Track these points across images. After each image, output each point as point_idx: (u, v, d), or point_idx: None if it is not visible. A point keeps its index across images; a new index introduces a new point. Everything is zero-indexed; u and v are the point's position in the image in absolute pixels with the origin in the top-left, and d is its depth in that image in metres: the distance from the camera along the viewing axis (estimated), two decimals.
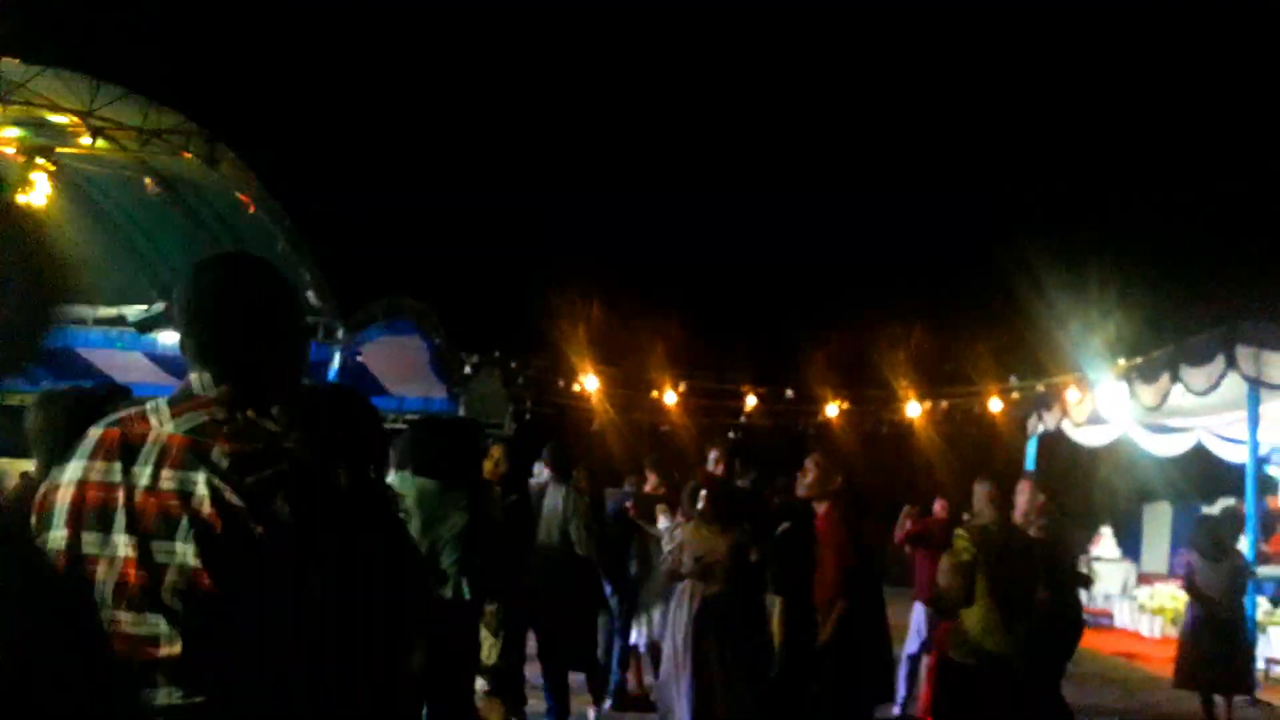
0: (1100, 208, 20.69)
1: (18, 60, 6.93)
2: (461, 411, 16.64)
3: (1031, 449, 15.02)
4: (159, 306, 11.01)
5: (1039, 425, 15.03)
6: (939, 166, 24.72)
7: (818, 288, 22.72)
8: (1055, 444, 14.79)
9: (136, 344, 11.46)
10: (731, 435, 16.51)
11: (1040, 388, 14.60)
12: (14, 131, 7.97)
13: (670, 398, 17.26)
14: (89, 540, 1.58)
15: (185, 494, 1.55)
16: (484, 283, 20.60)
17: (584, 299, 17.55)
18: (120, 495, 1.58)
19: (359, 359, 12.23)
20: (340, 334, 10.96)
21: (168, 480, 1.57)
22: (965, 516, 6.86)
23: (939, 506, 7.66)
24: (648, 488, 8.03)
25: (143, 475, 1.59)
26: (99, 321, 11.80)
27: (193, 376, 1.69)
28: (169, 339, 11.30)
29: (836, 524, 5.07)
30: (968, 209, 23.37)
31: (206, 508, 1.54)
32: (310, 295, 10.42)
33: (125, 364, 13.97)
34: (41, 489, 1.69)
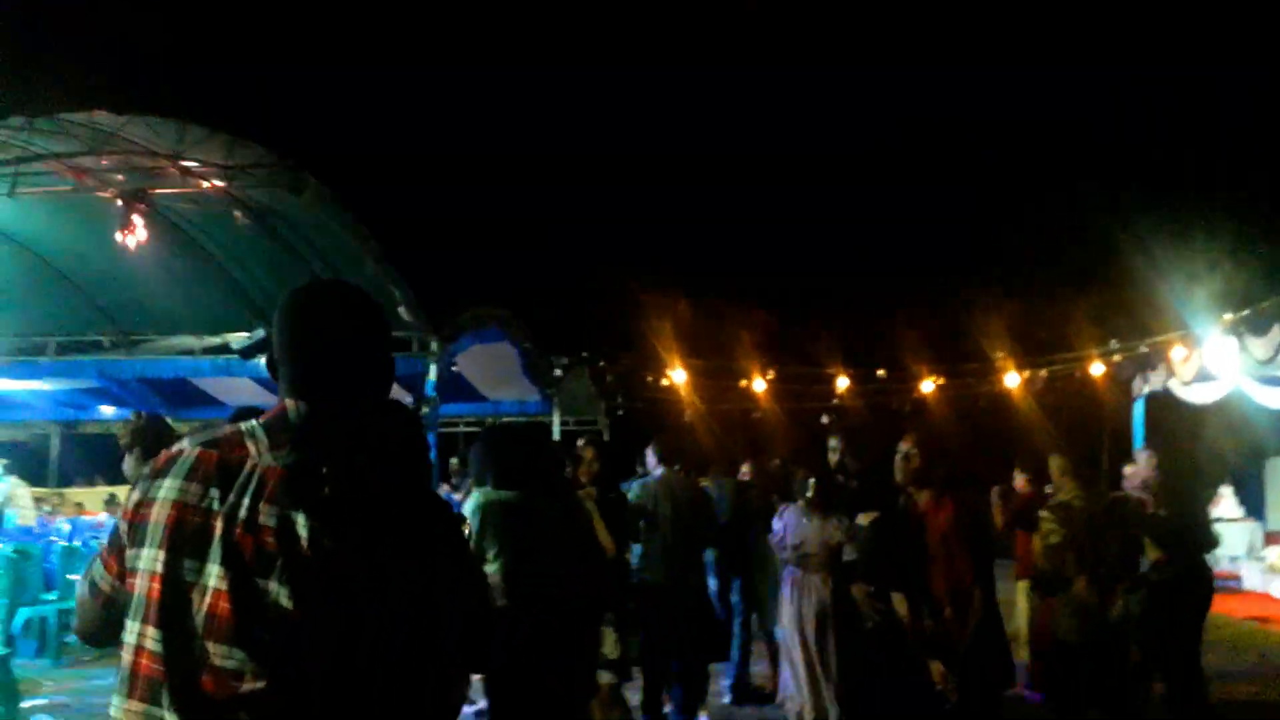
0: (1202, 153, 19.81)
1: (108, 111, 7.28)
2: (555, 412, 16.90)
3: (1138, 412, 14.55)
4: (259, 333, 11.33)
5: (1144, 387, 14.54)
6: (1024, 122, 24.05)
7: (906, 260, 22.36)
8: (1163, 405, 14.29)
9: (243, 369, 11.90)
10: (825, 420, 16.34)
11: (1144, 348, 14.11)
12: (111, 177, 8.34)
13: (759, 385, 17.18)
14: (188, 566, 1.57)
15: (284, 532, 1.55)
16: (570, 284, 20.83)
17: (669, 292, 17.61)
18: (218, 524, 1.58)
19: (454, 369, 12.48)
20: (434, 347, 11.18)
21: (266, 515, 1.57)
22: (1047, 490, 6.70)
23: (1020, 481, 7.42)
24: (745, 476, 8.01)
25: (241, 506, 1.58)
26: (206, 351, 12.28)
27: (289, 404, 1.70)
28: None
29: (957, 512, 4.90)
30: (1059, 166, 22.67)
31: (304, 549, 1.55)
32: (402, 311, 10.65)
33: (233, 388, 14.54)
34: (132, 498, 1.69)
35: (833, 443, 5.84)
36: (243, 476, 1.61)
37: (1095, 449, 15.60)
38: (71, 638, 9.29)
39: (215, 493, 1.61)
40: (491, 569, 3.45)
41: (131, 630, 1.60)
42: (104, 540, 1.76)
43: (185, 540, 1.59)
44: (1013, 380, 16.44)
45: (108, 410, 16.66)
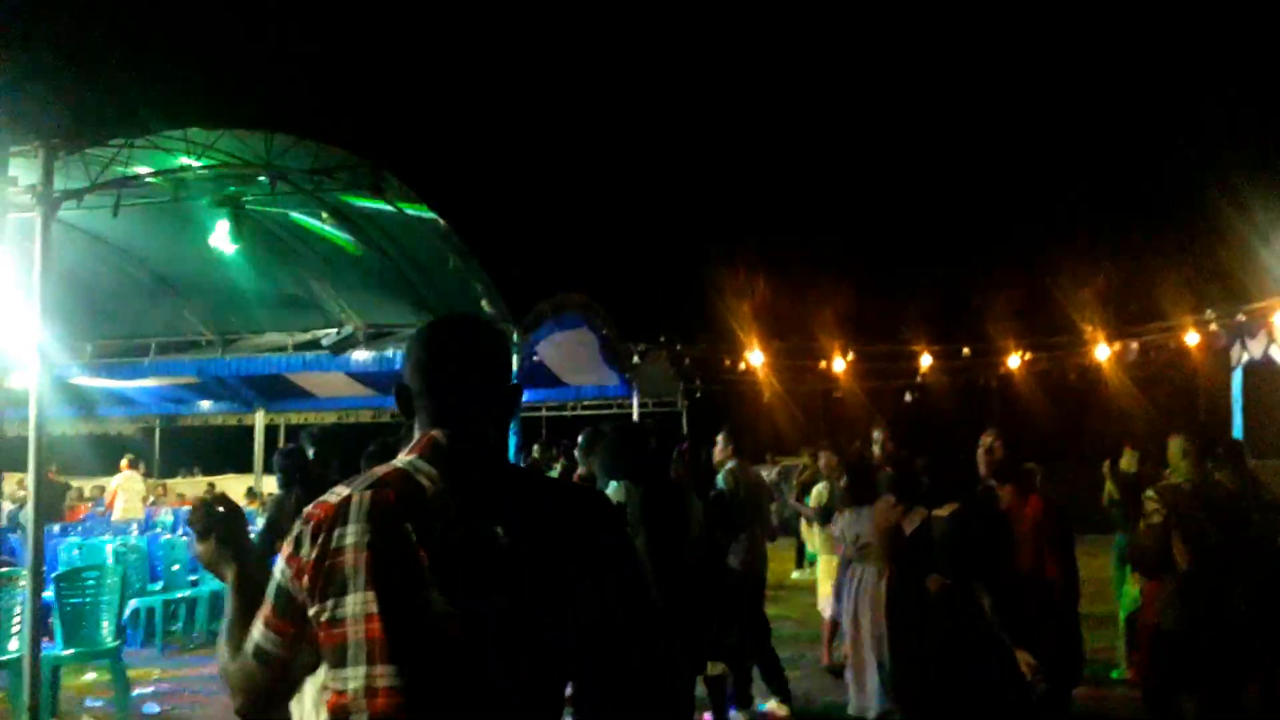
0: None
1: (201, 128, 7.57)
2: (635, 395, 17.02)
3: (1237, 382, 14.04)
4: (348, 330, 11.71)
5: (1243, 355, 14.02)
6: (1114, 80, 23.24)
7: (991, 232, 21.83)
8: (1263, 375, 13.78)
9: (333, 364, 12.26)
10: (908, 398, 16.16)
11: (1242, 316, 13.60)
12: (205, 186, 8.66)
13: (839, 365, 17.05)
14: (407, 599, 1.63)
15: (489, 549, 1.65)
16: (648, 268, 20.85)
17: (747, 274, 17.52)
18: (424, 554, 1.63)
19: (535, 359, 12.66)
20: (515, 337, 11.36)
21: (466, 537, 1.66)
22: (1166, 471, 6.54)
23: (1127, 459, 7.26)
24: (821, 464, 8.03)
25: (437, 532, 1.65)
26: (297, 347, 12.67)
27: (436, 434, 1.77)
28: (360, 356, 12.06)
29: (1046, 509, 4.85)
30: (1150, 125, 21.86)
31: (508, 561, 1.66)
32: (484, 304, 10.85)
33: (326, 382, 15.00)
34: (301, 555, 1.69)
35: (876, 434, 5.83)
36: (427, 506, 1.68)
37: (1190, 422, 15.13)
38: (175, 626, 9.71)
39: (409, 526, 1.66)
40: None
41: (354, 676, 1.64)
42: (265, 608, 1.75)
43: (395, 576, 1.64)
44: (1103, 353, 16.01)
45: (206, 405, 17.34)
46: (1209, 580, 4.56)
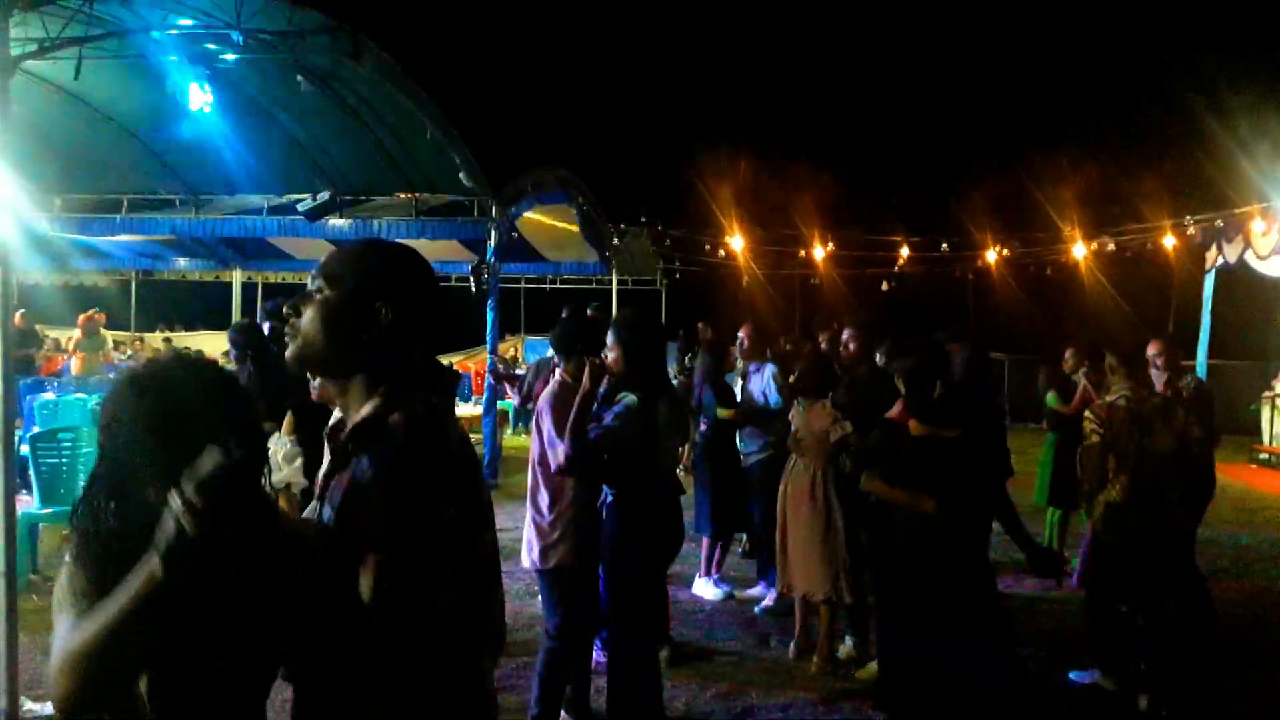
0: None
1: None
2: (614, 273, 17.01)
3: (1209, 286, 14.20)
4: (324, 195, 11.56)
5: (1218, 259, 14.13)
6: None
7: (975, 130, 21.53)
8: (1235, 280, 13.94)
9: (309, 230, 12.16)
10: (885, 286, 16.24)
11: (1220, 221, 13.65)
12: (173, 46, 8.40)
13: (819, 253, 17.04)
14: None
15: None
16: (631, 150, 20.52)
17: (730, 156, 17.31)
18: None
19: (514, 235, 12.58)
20: (494, 211, 11.27)
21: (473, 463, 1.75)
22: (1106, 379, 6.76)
23: (1069, 363, 7.41)
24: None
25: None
26: (271, 210, 12.53)
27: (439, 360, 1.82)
28: (337, 223, 11.96)
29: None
30: (1135, 28, 21.38)
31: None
32: (462, 177, 10.71)
33: (308, 248, 14.84)
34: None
35: (847, 332, 5.71)
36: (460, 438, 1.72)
37: (1161, 322, 15.35)
38: None
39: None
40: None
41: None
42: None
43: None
44: (1080, 251, 16.08)
45: (182, 261, 17.19)
46: (1143, 495, 4.74)
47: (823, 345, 6.99)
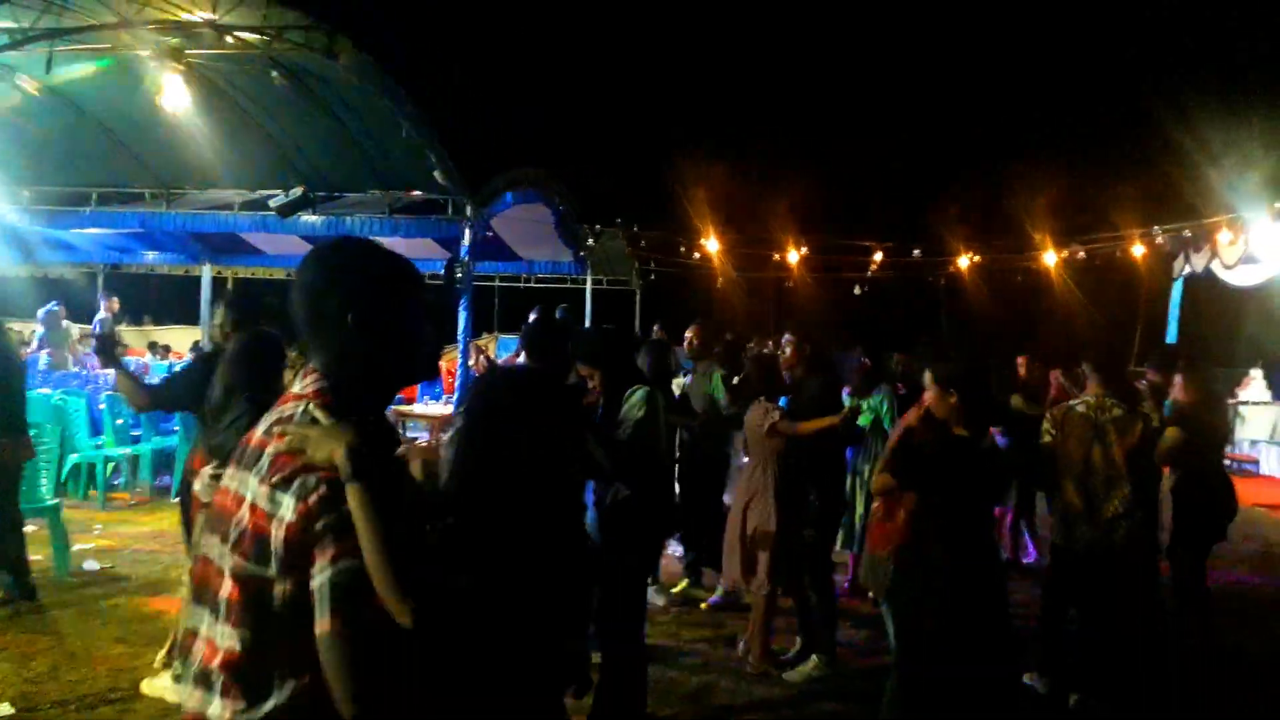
0: (1255, 34, 18.81)
1: None
2: (589, 272, 16.98)
3: (1176, 294, 14.43)
4: (296, 192, 11.44)
5: (1185, 268, 14.35)
6: None
7: (948, 140, 21.70)
8: (1201, 288, 14.16)
9: (280, 227, 12.03)
10: (858, 291, 16.32)
11: (1188, 230, 13.87)
12: (149, 38, 8.30)
13: (793, 257, 17.11)
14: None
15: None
16: (608, 149, 20.50)
17: (707, 162, 17.36)
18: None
19: (489, 234, 12.54)
20: (469, 210, 11.22)
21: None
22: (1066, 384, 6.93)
23: (1024, 369, 7.58)
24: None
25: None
26: (244, 206, 12.40)
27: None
28: (309, 219, 11.84)
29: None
30: (1107, 41, 21.63)
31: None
32: (437, 175, 10.65)
33: (281, 245, 14.70)
34: None
35: (786, 335, 6.01)
36: None
37: (1129, 328, 15.54)
38: (119, 481, 9.66)
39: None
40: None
41: None
42: None
43: None
44: (1050, 259, 16.25)
45: (151, 255, 16.96)
46: (1085, 502, 4.80)
47: (766, 349, 7.14)
